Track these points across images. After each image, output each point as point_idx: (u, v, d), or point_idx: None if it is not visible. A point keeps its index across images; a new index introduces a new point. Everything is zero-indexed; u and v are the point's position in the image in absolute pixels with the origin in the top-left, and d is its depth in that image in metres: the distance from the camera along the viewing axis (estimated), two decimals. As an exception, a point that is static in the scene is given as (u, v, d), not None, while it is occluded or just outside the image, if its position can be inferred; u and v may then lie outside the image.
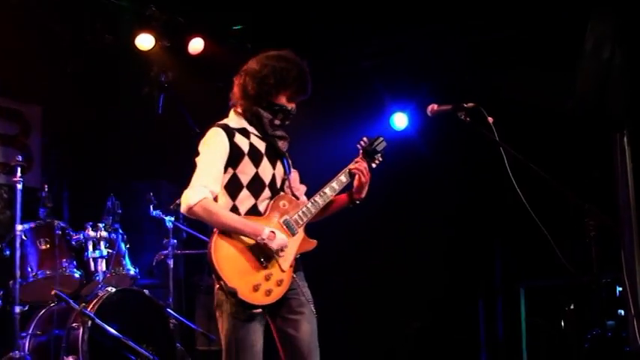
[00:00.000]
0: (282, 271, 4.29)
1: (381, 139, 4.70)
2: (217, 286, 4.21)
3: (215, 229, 4.25)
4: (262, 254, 4.24)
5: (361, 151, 4.65)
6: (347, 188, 4.60)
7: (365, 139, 4.68)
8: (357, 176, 4.55)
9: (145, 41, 8.20)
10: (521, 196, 4.44)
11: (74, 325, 6.24)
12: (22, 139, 8.52)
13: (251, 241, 4.23)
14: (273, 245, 4.23)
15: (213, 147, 4.30)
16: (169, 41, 8.42)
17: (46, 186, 7.02)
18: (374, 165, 4.67)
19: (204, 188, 4.22)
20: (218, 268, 4.14)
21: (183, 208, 4.24)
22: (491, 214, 8.39)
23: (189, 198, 4.20)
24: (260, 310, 4.24)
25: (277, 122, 4.44)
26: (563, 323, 7.56)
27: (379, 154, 4.68)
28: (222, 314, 4.26)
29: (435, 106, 4.65)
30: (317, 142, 8.52)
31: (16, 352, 6.20)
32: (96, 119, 8.54)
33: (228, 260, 4.18)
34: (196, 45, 8.44)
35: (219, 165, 4.29)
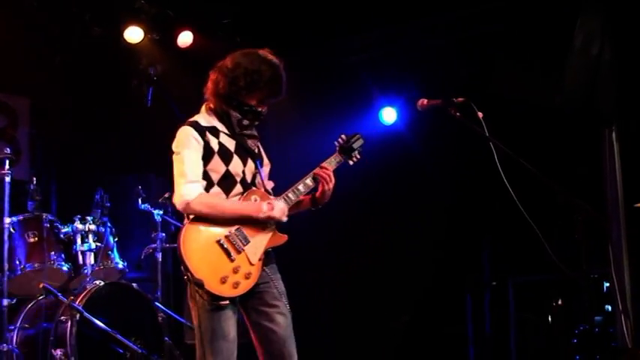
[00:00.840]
0: (251, 264, 4.30)
1: (359, 136, 4.68)
2: (185, 277, 4.21)
3: (185, 221, 4.28)
4: (231, 247, 4.25)
5: (338, 148, 4.64)
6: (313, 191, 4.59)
7: (343, 136, 4.67)
8: (320, 182, 4.54)
9: (133, 34, 8.16)
10: (510, 192, 4.44)
11: (62, 318, 6.23)
12: (10, 132, 8.50)
13: (221, 234, 4.25)
14: (276, 214, 4.31)
15: (191, 145, 4.31)
16: (158, 34, 8.38)
17: (34, 179, 7.01)
18: (351, 162, 4.66)
19: (198, 183, 4.26)
20: (186, 259, 4.15)
21: (181, 206, 4.25)
22: (481, 210, 8.39)
23: (186, 195, 4.22)
24: (227, 302, 4.23)
25: (246, 122, 4.44)
26: (550, 318, 7.57)
27: (356, 152, 4.65)
28: (195, 305, 4.28)
29: (425, 101, 4.65)
30: (305, 136, 8.51)
31: (4, 345, 6.19)
32: (84, 112, 8.52)
33: (196, 252, 4.19)
34: (185, 38, 8.41)
35: (200, 161, 4.31)
